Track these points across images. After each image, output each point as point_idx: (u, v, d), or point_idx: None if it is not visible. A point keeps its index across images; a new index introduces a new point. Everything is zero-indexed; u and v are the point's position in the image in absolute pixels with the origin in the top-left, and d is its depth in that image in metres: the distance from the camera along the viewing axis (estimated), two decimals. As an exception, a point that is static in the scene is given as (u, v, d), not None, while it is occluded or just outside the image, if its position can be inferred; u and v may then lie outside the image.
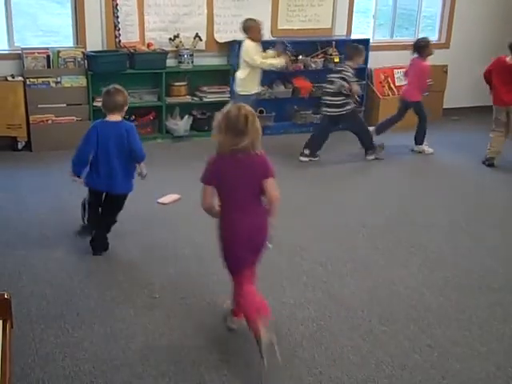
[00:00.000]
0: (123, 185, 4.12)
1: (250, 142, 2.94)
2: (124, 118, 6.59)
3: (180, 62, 6.81)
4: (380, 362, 3.11)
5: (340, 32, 7.52)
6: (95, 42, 6.53)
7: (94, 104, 6.46)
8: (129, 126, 4.11)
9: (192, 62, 6.82)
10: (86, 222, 4.35)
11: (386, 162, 6.41)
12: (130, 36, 6.66)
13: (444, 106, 8.22)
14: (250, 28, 6.10)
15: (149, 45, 6.72)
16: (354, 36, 7.69)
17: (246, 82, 6.15)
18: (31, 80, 6.17)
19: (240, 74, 6.20)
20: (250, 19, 6.18)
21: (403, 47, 7.27)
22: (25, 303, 3.50)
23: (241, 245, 3.10)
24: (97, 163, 4.02)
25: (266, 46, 6.93)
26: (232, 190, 3.09)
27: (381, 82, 7.68)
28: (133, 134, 4.04)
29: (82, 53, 6.37)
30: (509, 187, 5.80)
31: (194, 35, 6.83)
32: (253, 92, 6.20)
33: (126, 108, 4.12)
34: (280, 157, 6.41)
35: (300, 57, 7.15)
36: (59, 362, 3.03)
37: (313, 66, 7.21)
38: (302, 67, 7.17)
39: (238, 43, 6.83)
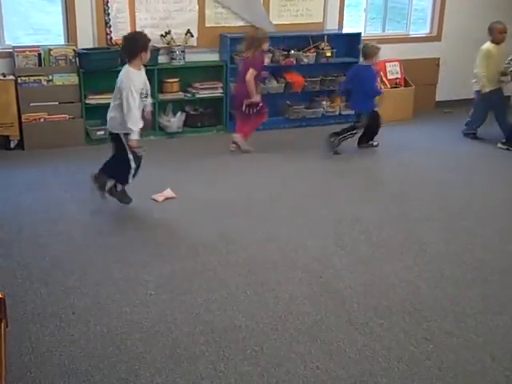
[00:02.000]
0: None
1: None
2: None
3: (172, 59, 6.79)
4: (376, 355, 3.12)
5: (331, 26, 7.51)
6: (86, 39, 6.51)
7: (87, 102, 6.45)
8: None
9: (184, 58, 6.81)
10: None
11: (380, 157, 6.43)
12: (121, 33, 6.59)
13: (436, 99, 8.24)
14: (492, 29, 6.61)
15: (140, 41, 6.69)
16: (345, 30, 7.69)
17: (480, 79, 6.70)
18: (23, 78, 6.14)
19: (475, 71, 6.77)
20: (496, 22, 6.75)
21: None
22: (20, 302, 3.49)
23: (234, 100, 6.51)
24: None
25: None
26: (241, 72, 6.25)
27: (373, 76, 7.68)
28: None
29: (74, 50, 6.35)
30: (503, 179, 5.82)
31: (185, 31, 6.82)
32: (486, 90, 6.65)
33: None
34: (273, 152, 6.43)
35: (292, 51, 7.14)
36: (55, 360, 3.02)
37: (305, 60, 7.19)
38: (294, 62, 7.15)
39: (230, 39, 6.83)
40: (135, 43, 4.56)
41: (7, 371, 2.82)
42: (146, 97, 4.68)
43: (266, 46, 6.21)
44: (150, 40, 4.67)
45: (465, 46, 8.02)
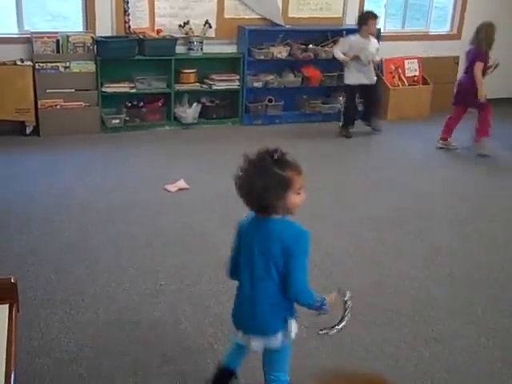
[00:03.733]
0: None
1: None
2: (132, 104, 6.67)
3: (189, 49, 6.78)
4: (384, 354, 3.10)
5: (351, 21, 7.45)
6: (105, 27, 6.51)
7: (103, 90, 6.46)
8: None
9: (201, 49, 6.79)
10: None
11: (396, 154, 6.39)
12: (139, 22, 6.63)
13: (454, 98, 8.16)
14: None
15: (158, 31, 6.68)
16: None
17: None
18: (40, 64, 6.16)
19: None
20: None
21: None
22: (30, 288, 3.51)
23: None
24: None
25: (276, 33, 6.93)
26: None
27: (391, 73, 7.63)
28: None
29: (92, 38, 6.35)
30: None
31: (203, 22, 6.80)
32: None
33: None
34: (287, 146, 6.40)
35: (310, 46, 7.11)
36: (64, 347, 3.04)
37: (323, 55, 7.16)
38: (312, 56, 7.12)
39: (248, 31, 6.80)
40: (358, 20, 6.53)
41: (16, 356, 2.83)
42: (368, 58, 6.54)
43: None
44: (368, 17, 6.43)
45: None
